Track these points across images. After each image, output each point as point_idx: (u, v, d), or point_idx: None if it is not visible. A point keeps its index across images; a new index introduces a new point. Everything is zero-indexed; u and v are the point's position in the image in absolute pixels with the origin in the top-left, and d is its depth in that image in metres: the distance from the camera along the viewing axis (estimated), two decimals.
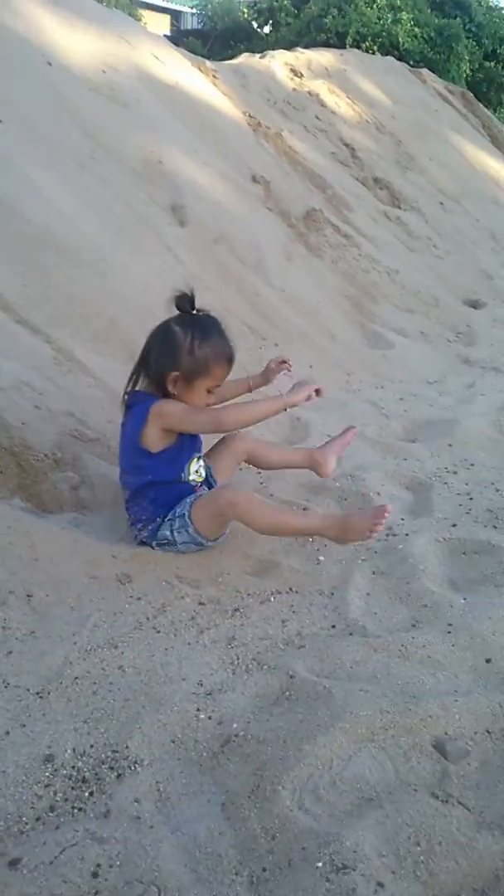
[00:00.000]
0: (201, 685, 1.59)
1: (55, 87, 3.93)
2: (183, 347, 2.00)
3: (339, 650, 1.71)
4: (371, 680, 1.61)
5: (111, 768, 1.35)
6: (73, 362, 2.68)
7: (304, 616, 1.88)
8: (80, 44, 4.48)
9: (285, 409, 2.14)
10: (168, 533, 2.06)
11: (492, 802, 1.34)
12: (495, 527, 2.41)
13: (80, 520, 2.12)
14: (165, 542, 2.08)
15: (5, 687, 1.53)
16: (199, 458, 2.19)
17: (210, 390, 2.08)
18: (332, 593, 1.98)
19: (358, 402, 3.71)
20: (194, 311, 2.08)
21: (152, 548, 2.09)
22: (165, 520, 2.06)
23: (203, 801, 1.31)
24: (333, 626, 1.84)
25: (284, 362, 2.37)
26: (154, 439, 2.02)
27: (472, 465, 3.01)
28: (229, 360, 2.10)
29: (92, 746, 1.40)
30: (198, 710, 1.50)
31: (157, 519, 2.06)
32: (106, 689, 1.55)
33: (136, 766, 1.36)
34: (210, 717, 1.49)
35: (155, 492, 2.06)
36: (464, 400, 4.08)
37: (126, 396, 2.12)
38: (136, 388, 2.11)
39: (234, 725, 1.47)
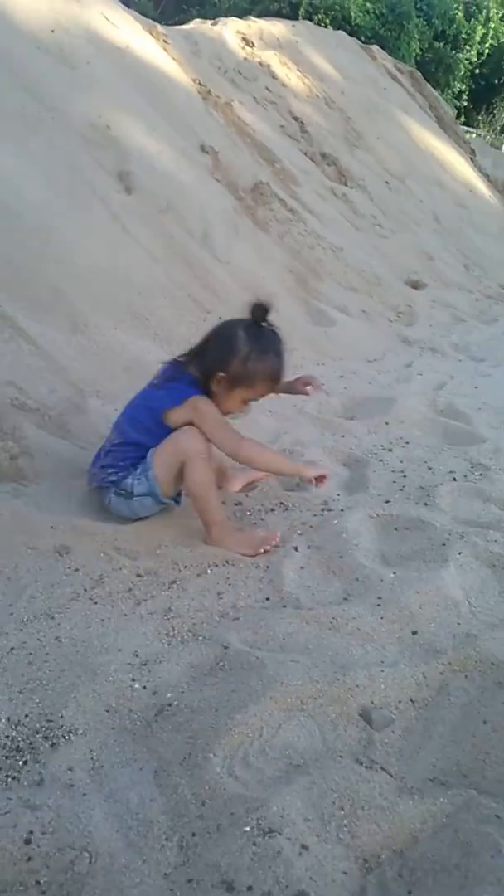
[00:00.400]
0: (137, 656, 1.61)
1: (1, 46, 3.81)
2: (239, 354, 2.03)
3: (273, 622, 1.75)
4: (302, 651, 1.66)
5: (45, 738, 1.37)
6: (15, 329, 2.64)
7: (239, 589, 1.91)
8: (26, 1, 4.34)
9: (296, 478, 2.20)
10: (130, 481, 2.10)
11: (413, 768, 1.41)
12: (426, 504, 2.49)
13: (19, 490, 2.10)
14: (123, 492, 2.11)
15: None
16: None
17: (246, 401, 2.14)
18: (268, 566, 2.02)
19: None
20: (264, 324, 2.09)
21: (107, 500, 2.13)
22: (135, 472, 2.11)
23: (136, 768, 1.34)
24: (268, 599, 1.88)
25: (312, 386, 2.44)
26: (177, 422, 2.07)
27: (408, 443, 3.09)
28: (276, 381, 2.14)
29: (27, 716, 1.41)
30: (132, 680, 1.53)
31: (131, 468, 2.11)
32: (41, 660, 1.56)
33: (71, 735, 1.38)
34: (145, 687, 1.52)
35: (142, 449, 2.11)
36: (402, 379, 4.17)
37: (175, 363, 2.16)
38: (187, 368, 2.12)
39: (168, 695, 1.50)
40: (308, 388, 2.43)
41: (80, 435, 2.46)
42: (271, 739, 1.42)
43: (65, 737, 1.37)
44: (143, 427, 2.11)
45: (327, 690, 1.52)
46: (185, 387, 2.08)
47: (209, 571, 1.97)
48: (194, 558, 2.02)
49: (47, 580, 1.83)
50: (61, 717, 1.41)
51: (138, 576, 1.91)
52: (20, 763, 1.31)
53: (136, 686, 1.52)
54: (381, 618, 1.80)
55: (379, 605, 1.85)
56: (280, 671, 1.54)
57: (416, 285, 6.43)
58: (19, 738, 1.36)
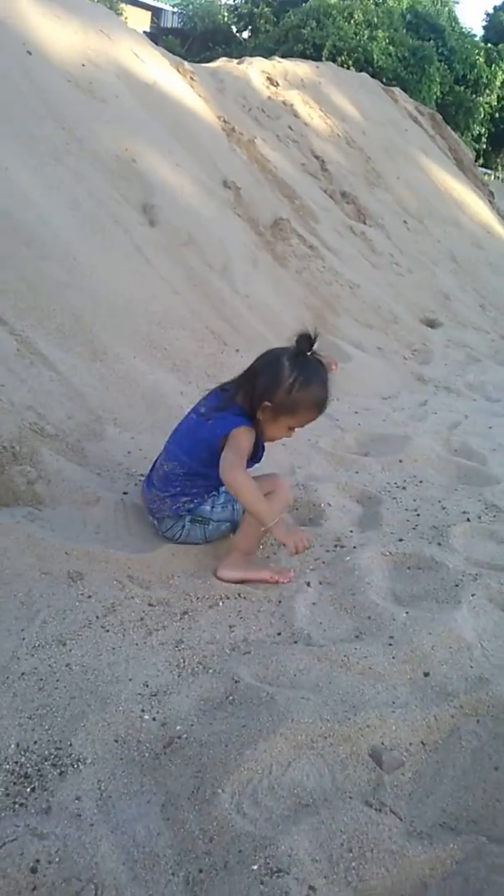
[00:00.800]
0: (147, 686, 1.61)
1: (33, 77, 3.91)
2: (284, 385, 2.07)
3: (284, 657, 1.75)
4: (313, 688, 1.65)
5: (54, 765, 1.36)
6: (37, 355, 2.67)
7: (251, 622, 1.91)
8: (61, 35, 4.46)
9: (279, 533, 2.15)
10: (208, 508, 2.20)
11: (422, 812, 1.40)
12: (439, 544, 2.48)
13: (34, 514, 2.11)
14: (200, 518, 2.21)
15: None
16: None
17: (291, 428, 2.18)
18: (280, 601, 2.02)
19: None
20: (310, 353, 2.12)
21: (181, 526, 2.21)
22: (209, 496, 2.19)
23: (143, 801, 1.33)
24: (279, 634, 1.88)
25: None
26: None
27: (421, 481, 3.09)
28: (320, 410, 2.17)
29: (35, 743, 1.41)
30: (142, 710, 1.53)
31: (205, 496, 2.20)
32: (52, 686, 1.56)
33: (79, 763, 1.37)
34: (154, 719, 1.51)
35: (211, 479, 2.16)
36: (416, 417, 4.18)
37: (221, 392, 2.22)
38: (234, 397, 2.17)
39: (178, 727, 1.50)
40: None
41: (96, 461, 2.48)
42: (280, 777, 1.41)
43: (73, 765, 1.37)
44: (205, 459, 2.15)
45: (338, 729, 1.51)
46: (233, 417, 2.12)
47: (221, 604, 1.97)
48: (206, 590, 2.02)
49: (60, 606, 1.83)
50: (70, 744, 1.41)
51: (150, 605, 1.91)
52: (28, 790, 1.31)
53: (146, 717, 1.51)
54: (393, 657, 1.79)
55: (391, 644, 1.84)
56: (291, 708, 1.54)
57: (431, 324, 6.46)
58: (28, 765, 1.36)
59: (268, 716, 1.51)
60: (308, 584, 2.11)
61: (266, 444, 2.25)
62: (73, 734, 1.43)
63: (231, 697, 1.60)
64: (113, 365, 3.03)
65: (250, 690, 1.60)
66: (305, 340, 2.10)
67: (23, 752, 1.38)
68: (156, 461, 2.30)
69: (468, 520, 2.71)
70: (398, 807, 1.40)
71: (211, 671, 1.69)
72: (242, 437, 2.10)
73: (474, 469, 3.32)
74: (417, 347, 5.73)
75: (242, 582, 2.10)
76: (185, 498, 2.19)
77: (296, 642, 1.84)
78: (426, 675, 1.77)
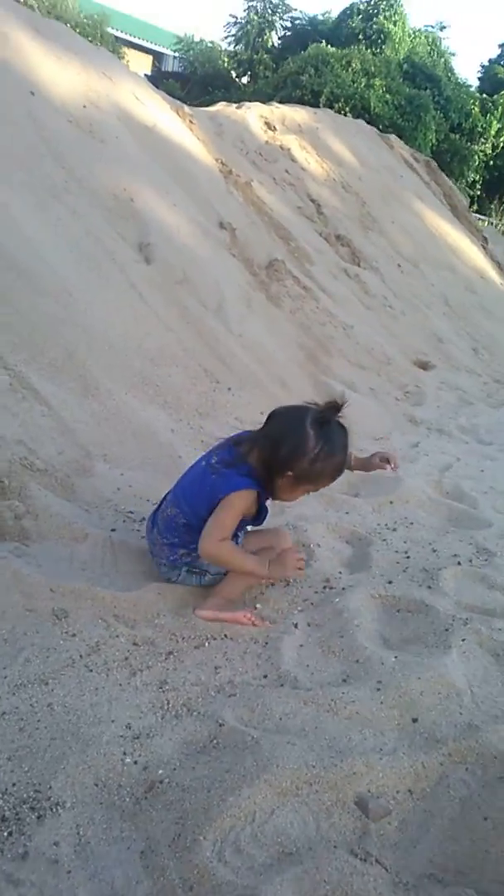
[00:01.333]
0: (129, 728, 1.58)
1: (36, 117, 3.98)
2: (308, 456, 2.01)
3: (270, 701, 1.72)
4: (299, 733, 1.62)
5: (32, 808, 1.33)
6: (29, 390, 2.68)
7: (237, 664, 1.89)
8: (63, 76, 4.55)
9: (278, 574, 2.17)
10: (206, 561, 2.14)
11: (409, 863, 1.37)
12: (429, 587, 2.46)
13: (21, 550, 2.09)
14: (197, 570, 2.19)
15: None
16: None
17: (307, 493, 2.16)
18: (267, 643, 1.99)
19: None
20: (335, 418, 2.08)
21: (176, 575, 2.18)
22: None
23: (122, 847, 1.30)
24: (265, 676, 1.85)
25: (392, 463, 2.43)
26: None
27: (412, 523, 3.08)
28: (339, 475, 2.14)
29: (14, 785, 1.38)
30: (124, 753, 1.50)
31: None
32: (33, 727, 1.53)
33: (58, 807, 1.34)
34: (136, 762, 1.48)
35: None
36: (408, 459, 4.18)
37: (235, 446, 2.15)
38: (247, 456, 2.10)
39: (160, 771, 1.47)
40: (388, 465, 2.41)
41: (85, 497, 2.46)
42: (264, 825, 1.37)
43: (52, 809, 1.34)
44: (203, 515, 2.08)
45: (323, 776, 1.49)
46: (238, 477, 2.06)
47: (207, 644, 1.94)
48: (192, 630, 1.99)
49: (43, 644, 1.80)
50: (50, 787, 1.38)
51: (135, 644, 1.88)
52: (5, 834, 1.27)
53: (128, 760, 1.48)
54: (381, 703, 1.77)
55: (379, 689, 1.81)
56: (276, 753, 1.51)
57: (424, 366, 6.51)
58: (5, 808, 1.33)
59: (252, 761, 1.48)
60: (296, 626, 2.08)
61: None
62: (53, 777, 1.40)
63: (215, 741, 1.57)
64: (105, 401, 3.03)
65: (235, 734, 1.58)
66: (333, 409, 2.05)
67: (0, 795, 1.35)
68: (162, 500, 2.25)
69: (459, 563, 2.70)
70: (384, 857, 1.37)
71: (195, 713, 1.66)
72: (237, 503, 2.05)
73: (465, 512, 3.32)
74: (410, 389, 5.76)
75: (217, 621, 2.06)
76: (182, 550, 2.15)
77: (282, 685, 1.82)
78: (414, 720, 1.74)
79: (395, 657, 1.97)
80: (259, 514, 2.18)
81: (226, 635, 1.99)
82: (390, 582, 2.45)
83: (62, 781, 1.40)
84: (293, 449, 2.00)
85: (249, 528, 2.27)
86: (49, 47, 4.73)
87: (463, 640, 2.10)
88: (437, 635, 2.14)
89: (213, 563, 2.12)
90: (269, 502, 2.20)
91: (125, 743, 1.52)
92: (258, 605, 2.18)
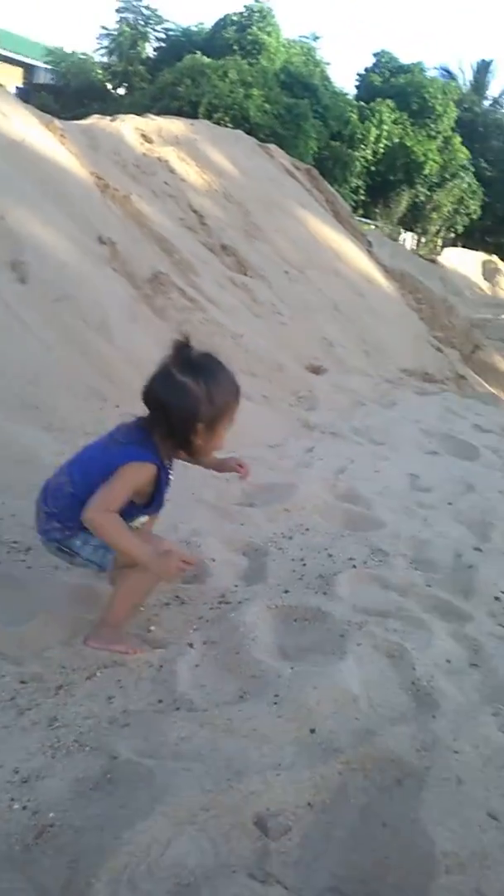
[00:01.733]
0: (17, 773, 1.51)
1: None
2: (200, 399, 1.93)
3: (165, 727, 1.68)
4: (195, 757, 1.59)
5: None
6: None
7: (131, 691, 1.83)
8: None
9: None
10: (78, 543, 2.02)
11: (310, 878, 1.36)
12: (325, 593, 2.48)
13: None
14: (67, 550, 2.04)
15: None
16: (150, 517, 2.21)
17: (227, 429, 2.06)
18: (161, 665, 1.95)
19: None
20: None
21: (49, 548, 2.08)
22: (83, 531, 1.99)
23: None
24: (160, 701, 1.81)
25: (242, 469, 2.39)
26: None
27: (308, 529, 3.10)
28: (238, 393, 2.06)
29: None
30: (11, 799, 1.43)
31: (79, 531, 2.00)
32: None
33: None
34: (24, 807, 1.42)
35: None
36: (303, 464, 4.21)
37: (141, 427, 2.02)
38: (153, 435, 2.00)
39: (51, 815, 1.41)
40: (241, 469, 2.39)
41: None
42: (160, 858, 1.33)
43: None
44: (94, 483, 1.95)
45: (220, 800, 1.46)
46: (139, 450, 1.97)
47: (99, 674, 1.88)
48: (83, 660, 1.92)
49: None
50: None
51: (22, 682, 1.80)
52: None
53: (16, 806, 1.42)
54: (279, 717, 1.75)
55: (276, 703, 1.80)
56: (171, 782, 1.47)
57: (316, 370, 6.60)
58: None
59: (146, 793, 1.44)
60: (191, 646, 2.05)
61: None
62: None
63: (109, 776, 1.52)
64: None
65: (129, 766, 1.53)
66: (184, 347, 1.98)
67: None
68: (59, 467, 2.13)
69: (354, 566, 2.74)
70: (285, 875, 1.35)
71: (87, 748, 1.60)
72: (131, 474, 1.95)
73: (361, 514, 3.37)
74: (303, 394, 5.82)
75: (107, 651, 1.97)
76: (56, 524, 2.02)
77: (178, 709, 1.78)
78: (312, 731, 1.74)
79: (292, 668, 1.97)
80: (153, 500, 2.08)
81: (117, 662, 1.93)
82: (287, 591, 2.45)
83: None
84: (184, 405, 1.93)
85: (140, 520, 2.17)
86: None
87: (358, 644, 2.12)
88: (334, 642, 2.15)
89: (95, 533, 1.97)
90: (167, 493, 2.12)
91: (12, 788, 1.46)
92: (152, 628, 2.13)
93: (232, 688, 1.90)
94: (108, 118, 7.79)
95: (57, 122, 6.12)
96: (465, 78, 31.84)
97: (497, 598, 2.63)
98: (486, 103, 31.60)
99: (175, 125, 8.41)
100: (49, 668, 1.87)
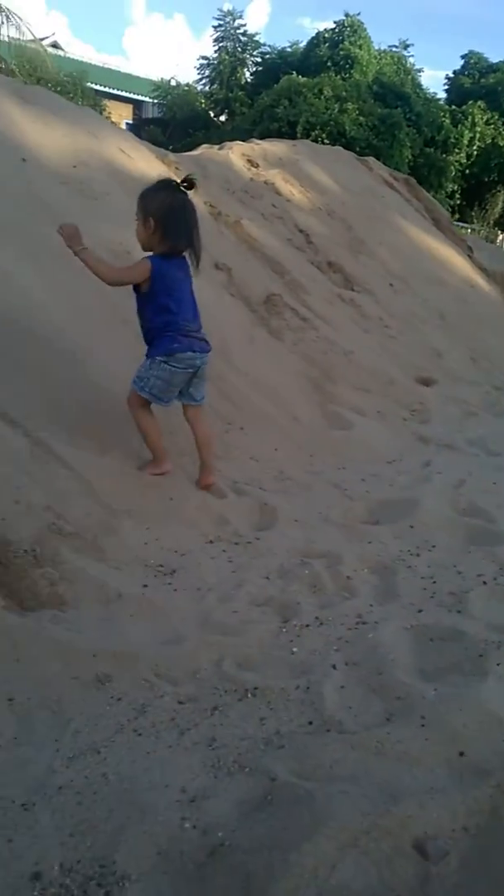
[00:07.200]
0: (184, 791, 1.59)
1: (30, 182, 4.08)
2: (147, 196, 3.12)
3: (318, 749, 1.73)
4: (350, 780, 1.63)
5: (99, 885, 1.35)
6: (50, 454, 2.73)
7: (281, 713, 1.90)
8: (52, 140, 4.66)
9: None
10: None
11: None
12: (459, 611, 2.48)
13: (58, 617, 2.12)
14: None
15: None
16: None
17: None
18: (308, 687, 2.01)
19: (321, 483, 3.80)
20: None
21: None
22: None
23: None
24: (310, 723, 1.87)
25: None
26: None
27: (434, 546, 3.10)
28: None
29: (79, 862, 1.40)
30: (182, 818, 1.51)
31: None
32: (91, 800, 1.55)
33: (124, 881, 1.36)
34: (195, 826, 1.50)
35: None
36: (421, 479, 4.19)
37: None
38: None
39: (220, 834, 1.48)
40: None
41: (115, 556, 2.50)
42: (327, 880, 1.38)
43: (119, 883, 1.35)
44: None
45: (380, 823, 1.49)
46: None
47: (249, 695, 1.96)
48: (234, 681, 2.01)
49: (91, 712, 1.83)
50: (114, 862, 1.39)
51: (180, 703, 1.91)
52: None
53: (187, 825, 1.50)
54: (427, 739, 1.78)
55: (423, 725, 1.83)
56: (330, 805, 1.52)
57: (427, 382, 6.54)
58: (73, 887, 1.34)
59: (308, 815, 1.50)
60: (334, 667, 2.10)
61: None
62: (116, 850, 1.42)
63: (269, 797, 1.59)
64: (121, 457, 3.08)
65: (288, 788, 1.59)
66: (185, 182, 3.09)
67: (67, 873, 1.37)
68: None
69: (484, 583, 2.72)
70: None
71: (247, 770, 1.68)
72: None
73: (483, 528, 3.33)
74: (415, 407, 5.78)
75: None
76: None
77: (328, 730, 1.83)
78: (461, 754, 1.75)
79: (435, 690, 1.99)
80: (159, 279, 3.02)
81: (267, 684, 2.00)
82: (420, 610, 2.47)
83: (125, 854, 1.41)
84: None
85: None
86: (36, 113, 4.85)
87: (498, 664, 2.12)
88: (473, 662, 2.15)
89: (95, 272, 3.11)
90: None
91: (182, 808, 1.54)
92: (294, 650, 2.20)
93: (378, 709, 1.94)
94: (216, 146, 8.01)
95: (171, 155, 6.36)
96: None
97: None
98: None
99: (278, 147, 8.55)
100: (203, 689, 1.97)
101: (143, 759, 1.69)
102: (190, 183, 3.04)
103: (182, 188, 3.02)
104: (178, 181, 3.04)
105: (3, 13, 15.62)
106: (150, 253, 3.08)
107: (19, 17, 15.92)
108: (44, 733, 1.74)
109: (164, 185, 3.10)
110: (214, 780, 1.65)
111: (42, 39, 18.61)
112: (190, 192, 3.07)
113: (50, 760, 1.65)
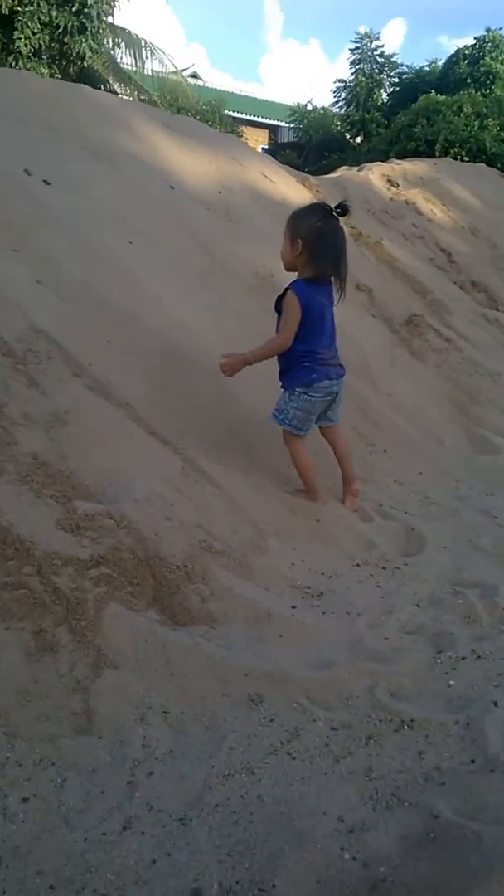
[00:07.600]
0: (342, 821, 1.55)
1: (177, 209, 4.21)
2: (296, 218, 3.13)
3: (482, 789, 1.64)
4: None
5: None
6: (199, 472, 2.76)
7: (440, 748, 1.81)
8: (197, 166, 4.80)
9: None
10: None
11: None
12: None
13: (210, 633, 2.13)
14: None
15: (149, 811, 1.54)
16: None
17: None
18: (468, 723, 1.90)
19: (469, 510, 3.65)
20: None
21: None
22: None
23: None
24: (473, 762, 1.77)
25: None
26: None
27: None
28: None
29: (238, 882, 1.38)
30: (342, 849, 1.47)
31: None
32: (247, 820, 1.53)
33: None
34: (355, 858, 1.45)
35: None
36: None
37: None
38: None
39: (382, 869, 1.42)
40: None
41: (262, 575, 2.49)
42: None
43: None
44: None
45: None
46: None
47: (406, 727, 1.88)
48: (388, 710, 1.94)
49: (244, 730, 1.81)
50: (273, 886, 1.37)
51: (333, 729, 1.86)
52: None
53: (346, 856, 1.45)
54: None
55: None
56: (501, 849, 1.43)
57: None
58: None
59: (478, 859, 1.41)
60: (495, 704, 1.99)
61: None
62: (275, 875, 1.39)
63: (432, 835, 1.51)
64: (268, 476, 3.08)
65: (452, 828, 1.51)
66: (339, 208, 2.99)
67: (226, 893, 1.35)
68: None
69: None
70: None
71: (406, 804, 1.61)
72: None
73: None
74: None
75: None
76: None
77: (492, 771, 1.72)
78: None
79: None
80: (306, 311, 2.98)
81: (424, 716, 1.92)
82: None
83: (284, 879, 1.38)
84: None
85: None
86: (181, 141, 5.02)
87: None
88: None
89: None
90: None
91: (341, 837, 1.50)
92: (451, 682, 2.10)
93: None
94: (356, 168, 8.02)
95: (312, 178, 6.41)
96: None
97: None
98: None
99: (419, 167, 8.45)
100: (356, 716, 1.91)
101: (298, 783, 1.66)
102: (343, 209, 2.98)
103: (335, 213, 2.97)
104: (332, 206, 2.98)
105: (148, 48, 16.40)
106: (294, 275, 3.07)
107: (162, 51, 16.68)
108: (198, 749, 1.74)
109: (317, 209, 3.06)
110: (373, 812, 1.59)
111: (182, 70, 19.41)
112: (342, 219, 3.02)
113: (205, 776, 1.65)
